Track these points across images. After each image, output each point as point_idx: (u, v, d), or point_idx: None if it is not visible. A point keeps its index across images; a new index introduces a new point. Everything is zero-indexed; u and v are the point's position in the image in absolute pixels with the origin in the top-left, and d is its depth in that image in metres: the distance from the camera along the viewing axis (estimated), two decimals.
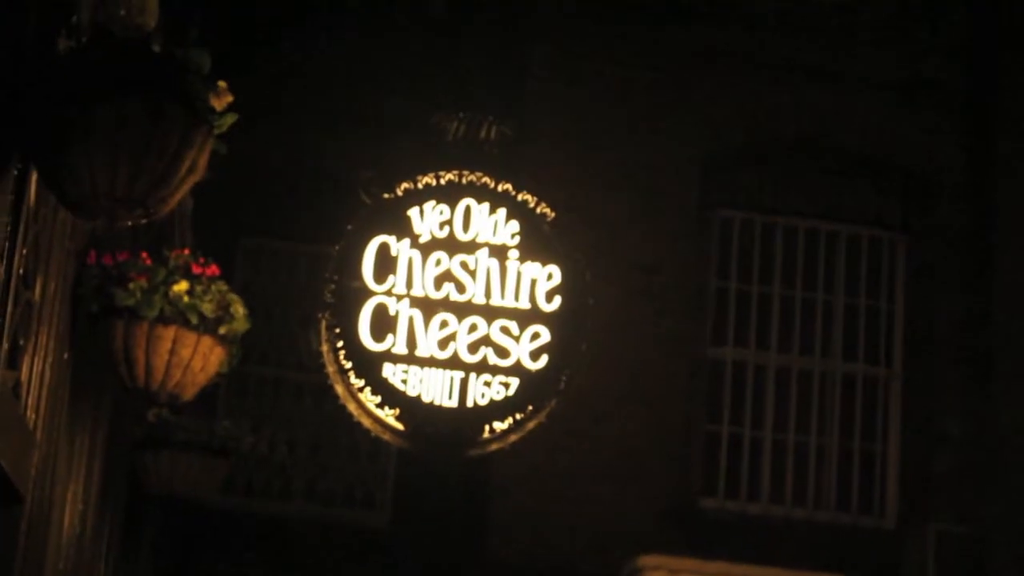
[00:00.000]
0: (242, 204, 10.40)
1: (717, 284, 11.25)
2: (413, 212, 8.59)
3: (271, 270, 11.67)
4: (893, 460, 11.11)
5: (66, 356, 5.66)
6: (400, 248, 8.53)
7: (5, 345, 4.28)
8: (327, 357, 8.39)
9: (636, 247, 10.58)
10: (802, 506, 11.02)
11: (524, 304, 8.53)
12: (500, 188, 8.61)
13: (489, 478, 10.45)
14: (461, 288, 8.48)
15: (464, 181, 8.61)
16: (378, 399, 8.21)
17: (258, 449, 11.37)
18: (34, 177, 4.29)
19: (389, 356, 8.33)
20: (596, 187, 10.29)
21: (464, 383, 8.33)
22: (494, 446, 8.42)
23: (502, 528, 10.51)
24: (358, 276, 8.47)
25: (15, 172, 4.17)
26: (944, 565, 9.88)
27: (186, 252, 6.37)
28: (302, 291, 11.42)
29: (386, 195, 8.60)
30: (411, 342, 8.36)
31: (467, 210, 8.60)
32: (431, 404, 8.26)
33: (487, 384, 8.36)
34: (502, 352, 8.38)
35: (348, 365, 8.24)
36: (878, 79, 11.14)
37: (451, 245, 8.54)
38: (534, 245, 8.63)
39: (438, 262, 8.50)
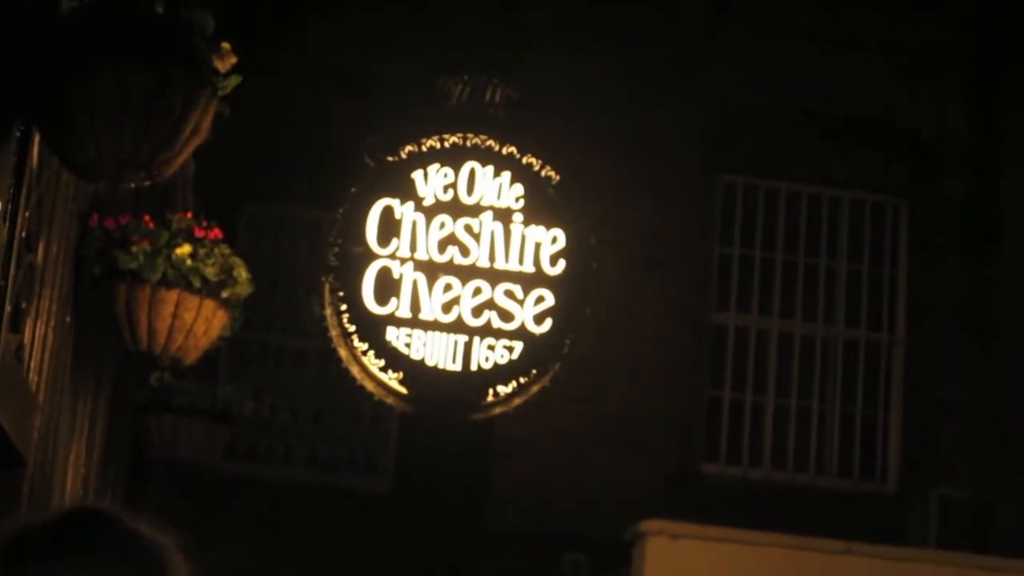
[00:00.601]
0: (244, 169, 10.37)
1: (720, 250, 11.26)
2: (417, 175, 8.59)
3: (273, 235, 11.66)
4: (895, 426, 11.14)
5: (68, 319, 5.67)
6: (404, 211, 8.54)
7: (8, 308, 4.27)
8: (331, 321, 8.41)
9: (639, 212, 10.58)
10: (804, 472, 11.05)
11: (528, 268, 8.55)
12: (505, 151, 8.61)
13: (492, 444, 10.47)
14: (465, 251, 8.49)
15: (468, 144, 8.61)
16: (382, 363, 8.24)
17: (260, 414, 11.40)
18: (37, 139, 4.27)
19: (393, 320, 8.35)
20: (599, 152, 10.27)
21: (468, 347, 8.36)
22: (497, 410, 8.46)
23: (504, 493, 10.54)
24: (362, 239, 8.49)
25: (18, 134, 4.15)
26: (946, 530, 9.89)
27: (189, 215, 6.35)
28: (304, 257, 11.43)
29: (390, 158, 8.60)
30: (415, 306, 8.38)
31: (471, 173, 8.61)
32: (435, 368, 8.28)
33: (491, 348, 8.39)
34: (506, 316, 8.40)
35: (352, 329, 8.25)
36: (885, 46, 11.12)
37: (455, 208, 8.55)
38: (539, 208, 8.64)
39: (442, 225, 8.52)
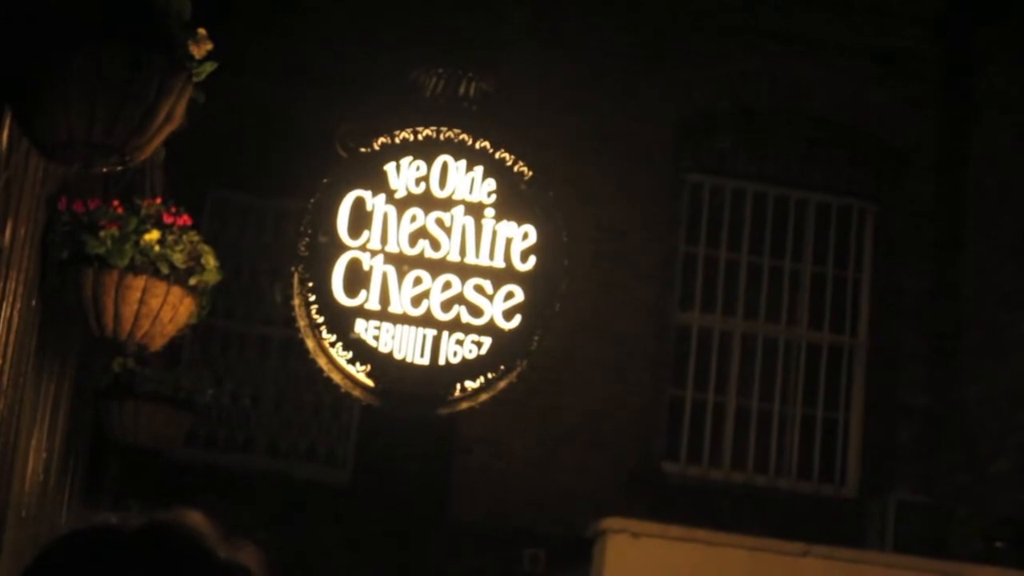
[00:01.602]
0: (211, 156, 10.31)
1: (686, 249, 11.28)
2: (390, 167, 8.56)
3: (239, 224, 11.60)
4: (856, 429, 11.18)
5: (34, 303, 5.64)
6: (375, 203, 8.51)
7: None
8: (299, 311, 8.37)
9: (606, 210, 10.59)
10: (764, 473, 11.09)
11: (499, 263, 8.52)
12: (478, 145, 8.58)
13: (453, 438, 10.45)
14: (436, 245, 8.47)
15: (442, 137, 8.59)
16: (349, 355, 8.21)
17: (221, 402, 11.37)
18: (8, 121, 4.23)
19: (362, 312, 8.32)
20: (568, 149, 10.25)
21: (436, 341, 8.34)
22: (464, 404, 8.43)
23: (464, 488, 10.54)
24: (332, 230, 8.45)
25: None
26: (904, 534, 9.93)
27: (158, 201, 6.31)
28: (269, 246, 11.40)
29: (363, 149, 8.56)
30: (384, 298, 8.35)
31: (444, 166, 8.58)
32: (403, 361, 8.26)
33: (459, 342, 8.36)
34: (475, 311, 8.38)
35: (320, 320, 8.22)
36: (853, 49, 11.17)
37: (427, 201, 8.53)
38: (511, 204, 8.62)
39: (413, 218, 8.49)
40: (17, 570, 5.52)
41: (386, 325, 8.35)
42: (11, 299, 5.06)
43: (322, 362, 8.39)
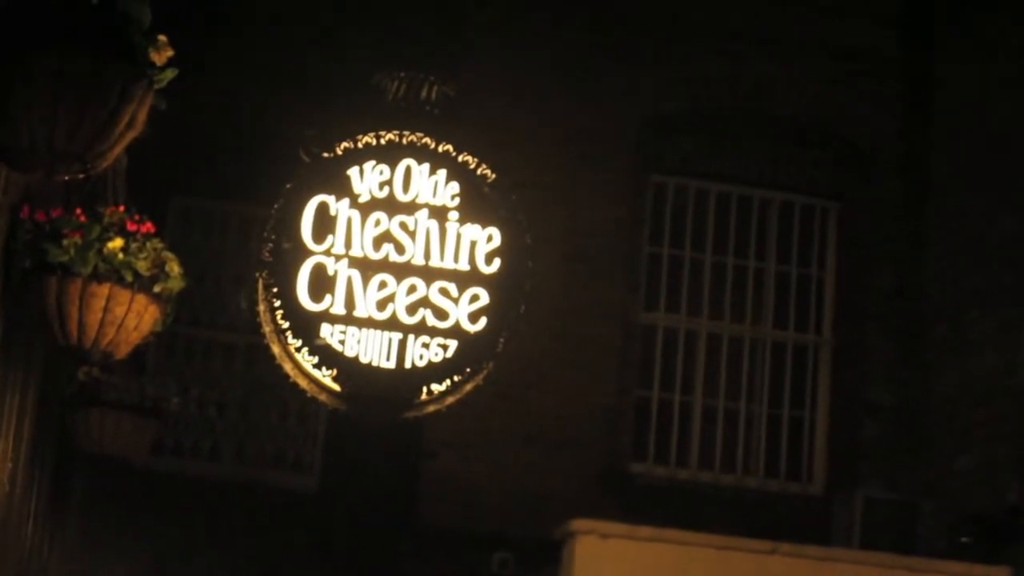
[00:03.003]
0: (173, 163, 10.28)
1: (650, 249, 11.29)
2: (353, 171, 8.57)
3: (202, 230, 11.57)
4: (822, 427, 11.21)
5: None
6: (339, 208, 8.51)
7: None
8: (264, 317, 8.36)
9: (571, 212, 10.60)
10: (731, 472, 11.11)
11: (463, 266, 8.54)
12: (441, 149, 8.60)
13: (420, 442, 10.45)
14: (400, 249, 8.48)
15: (404, 141, 8.59)
16: (315, 360, 8.20)
17: (187, 409, 11.33)
18: None
19: (327, 316, 8.32)
20: (532, 152, 10.28)
21: (402, 344, 8.34)
22: (431, 408, 8.44)
23: (433, 492, 10.53)
24: (296, 235, 8.44)
25: None
26: (871, 531, 9.96)
27: (121, 209, 6.29)
28: (233, 252, 11.37)
29: (326, 154, 8.57)
30: (349, 303, 8.35)
31: (407, 170, 8.59)
32: (369, 365, 8.26)
33: (425, 346, 8.37)
34: (441, 314, 8.39)
35: (285, 325, 8.21)
36: (816, 49, 11.21)
37: (391, 205, 8.53)
38: (474, 207, 8.63)
39: (377, 222, 8.49)
40: None
41: (351, 329, 8.35)
42: None
43: (288, 368, 8.38)
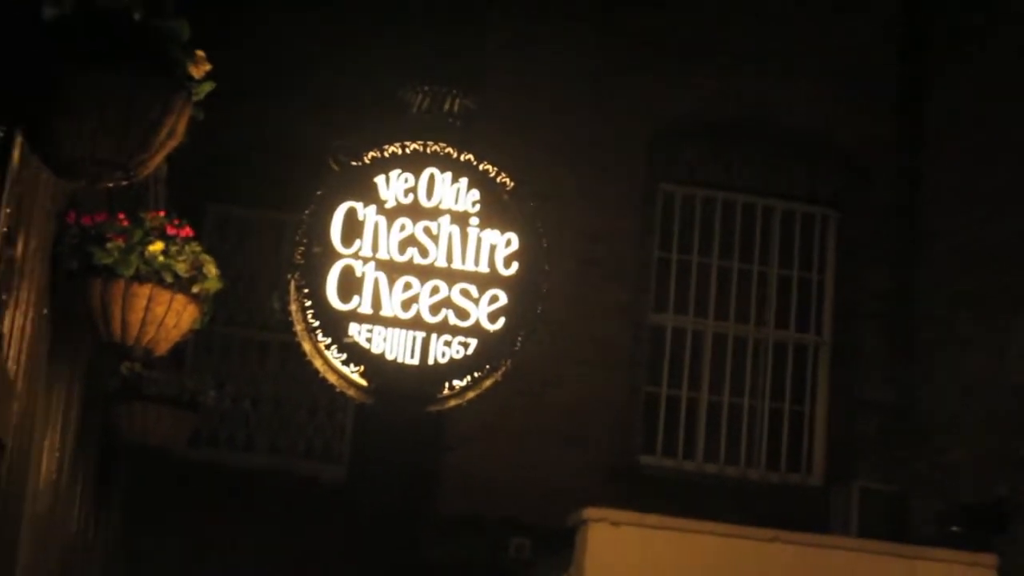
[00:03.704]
0: (210, 171, 10.29)
1: (659, 255, 11.27)
2: (379, 179, 8.57)
3: (237, 235, 11.57)
4: (820, 422, 11.19)
5: (46, 311, 5.61)
6: (367, 213, 8.51)
7: None
8: (296, 316, 8.36)
9: (584, 218, 10.59)
10: (734, 464, 11.09)
11: (484, 268, 8.53)
12: (462, 158, 8.59)
13: (441, 434, 10.44)
14: (424, 252, 8.47)
15: (428, 151, 8.59)
16: (344, 356, 8.20)
17: (223, 403, 11.35)
18: (18, 140, 4.21)
19: (355, 316, 8.32)
20: (548, 161, 10.26)
21: (426, 342, 8.34)
22: (452, 402, 8.43)
23: (453, 482, 10.53)
24: (326, 240, 8.45)
25: (1, 137, 4.10)
26: (867, 520, 9.95)
27: (161, 214, 6.30)
28: (266, 255, 11.37)
29: (354, 163, 8.57)
30: (376, 303, 8.35)
31: (431, 178, 8.59)
32: (394, 362, 8.25)
33: (447, 344, 8.37)
34: (462, 314, 8.38)
35: (316, 324, 8.21)
36: (815, 64, 11.18)
37: (415, 211, 8.53)
38: (494, 213, 8.63)
39: (402, 227, 8.49)
40: (35, 566, 5.52)
41: (378, 328, 8.35)
42: (23, 308, 5.04)
43: (318, 364, 8.38)
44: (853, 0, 11.42)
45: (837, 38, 11.25)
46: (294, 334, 8.49)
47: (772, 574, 8.14)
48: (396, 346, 8.40)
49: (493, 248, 8.69)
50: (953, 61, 10.61)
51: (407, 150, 8.64)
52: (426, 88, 8.83)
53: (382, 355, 8.32)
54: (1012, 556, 8.56)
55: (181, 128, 4.27)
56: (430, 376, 8.35)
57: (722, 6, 11.23)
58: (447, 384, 8.39)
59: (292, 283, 8.47)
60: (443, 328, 8.43)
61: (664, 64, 11.07)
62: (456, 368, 8.41)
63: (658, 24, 11.11)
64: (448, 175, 8.70)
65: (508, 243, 8.71)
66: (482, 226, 8.66)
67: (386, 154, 8.60)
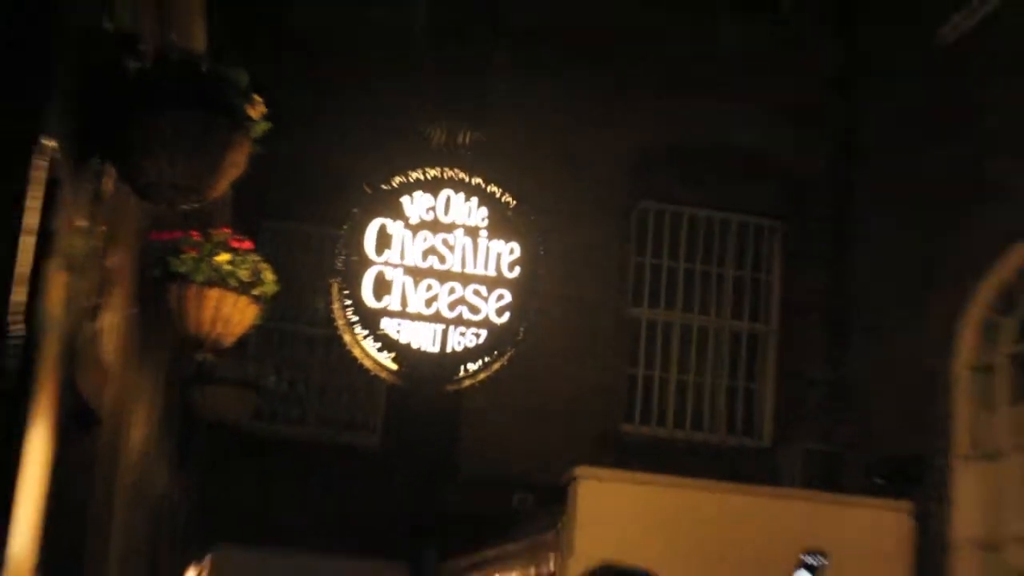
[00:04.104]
0: (265, 194, 10.29)
1: (636, 259, 11.25)
2: (405, 200, 8.58)
3: (288, 246, 11.56)
4: (769, 395, 11.18)
5: (135, 311, 5.63)
6: (395, 228, 8.52)
7: (90, 303, 4.24)
8: (337, 313, 8.36)
9: (574, 230, 10.55)
10: (699, 430, 11.08)
11: (491, 272, 8.53)
12: (473, 182, 8.60)
13: (459, 409, 10.45)
14: (442, 259, 8.48)
15: (445, 176, 8.60)
16: (378, 345, 8.21)
17: (279, 385, 11.36)
18: (110, 170, 4.23)
19: (386, 312, 8.33)
20: (545, 182, 10.21)
21: (445, 333, 8.34)
22: (467, 383, 8.44)
23: (469, 448, 10.54)
24: (362, 250, 8.45)
25: (95, 168, 4.12)
26: (808, 475, 9.97)
27: (226, 231, 6.30)
28: (313, 263, 11.35)
29: (384, 186, 8.58)
30: (403, 301, 8.36)
31: (447, 199, 8.60)
32: (419, 350, 8.26)
33: (462, 334, 8.37)
34: (474, 309, 8.39)
35: (355, 319, 8.22)
36: (763, 101, 11.16)
37: (434, 226, 8.54)
38: (500, 226, 8.63)
39: (424, 239, 8.50)
40: (129, 523, 5.49)
41: (405, 322, 8.36)
42: (119, 309, 5.07)
43: (356, 352, 8.39)
44: (793, 43, 11.38)
45: (781, 76, 11.23)
46: (336, 328, 8.48)
47: (730, 520, 8.14)
48: (420, 337, 8.40)
49: (499, 255, 8.68)
50: (878, 99, 10.61)
51: (427, 176, 8.64)
52: (443, 124, 8.83)
53: (409, 344, 8.32)
54: (924, 502, 8.58)
55: (242, 159, 4.28)
56: (449, 361, 8.35)
57: (689, 52, 11.20)
58: (463, 367, 8.39)
59: (334, 286, 8.47)
60: (459, 321, 8.43)
61: (641, 102, 11.05)
62: (470, 354, 8.41)
63: (636, 67, 11.09)
64: (461, 195, 8.70)
65: (511, 251, 8.70)
66: (490, 237, 8.65)
67: (410, 179, 8.60)
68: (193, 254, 5.87)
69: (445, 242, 8.62)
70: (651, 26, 11.16)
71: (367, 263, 8.53)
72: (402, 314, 8.41)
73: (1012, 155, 8.28)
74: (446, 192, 8.73)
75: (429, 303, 8.48)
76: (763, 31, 11.43)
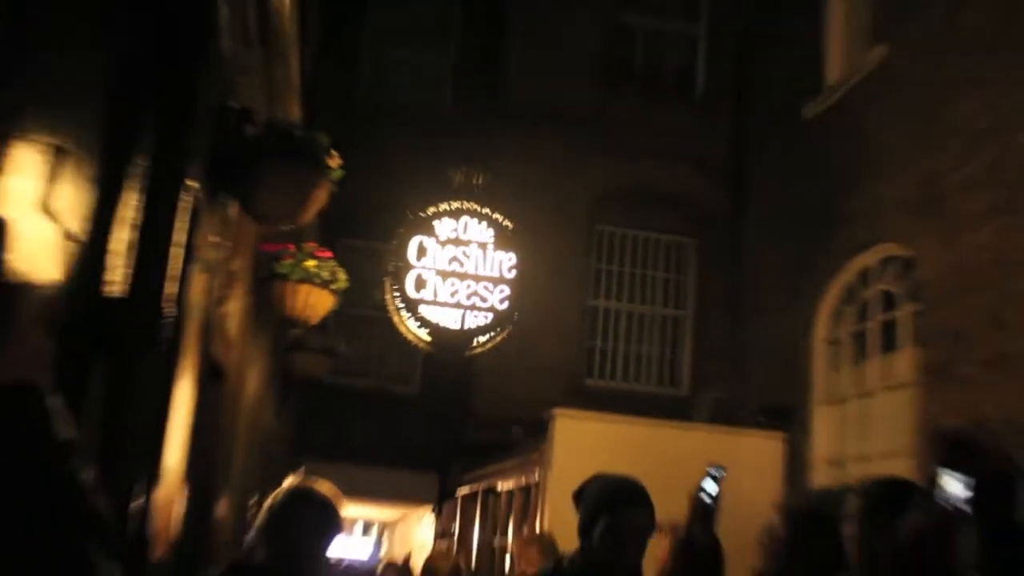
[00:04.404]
0: (339, 219, 10.24)
1: (595, 266, 11.27)
2: (436, 223, 8.65)
3: (356, 256, 11.55)
4: (687, 361, 11.18)
5: (251, 301, 5.65)
6: (429, 243, 8.59)
7: (220, 294, 4.26)
8: (389, 302, 8.42)
9: (553, 245, 10.56)
10: (638, 383, 11.09)
11: (496, 274, 8.61)
12: (484, 211, 8.68)
13: (472, 368, 10.46)
14: (462, 265, 8.57)
15: (464, 207, 8.68)
16: (417, 324, 8.27)
17: (349, 352, 11.37)
18: (233, 204, 4.25)
19: (423, 301, 8.40)
20: (532, 212, 10.21)
21: (464, 315, 8.41)
22: (478, 350, 8.51)
23: (480, 395, 10.54)
24: (406, 258, 8.51)
25: (223, 201, 4.14)
26: (714, 415, 9.95)
27: (313, 245, 6.32)
28: (372, 268, 11.32)
29: (421, 214, 8.64)
30: (435, 294, 8.43)
31: (466, 223, 8.69)
32: (446, 328, 8.34)
33: (475, 316, 8.46)
34: (484, 299, 8.46)
35: (401, 306, 8.29)
36: (683, 158, 11.18)
37: (456, 242, 8.62)
38: (502, 241, 8.71)
39: (449, 251, 8.56)
40: (247, 445, 5.46)
41: (436, 308, 8.42)
42: (238, 298, 5.08)
43: (402, 329, 8.45)
44: (702, 119, 11.37)
45: (694, 141, 11.22)
46: (388, 312, 8.54)
47: (660, 446, 8.13)
48: (447, 318, 8.46)
49: (501, 262, 8.75)
50: (762, 153, 10.63)
51: (451, 207, 8.70)
52: (463, 169, 8.88)
53: (438, 324, 8.38)
54: (792, 434, 8.60)
55: (324, 196, 4.31)
56: (466, 335, 8.42)
57: (629, 122, 11.21)
58: (476, 339, 8.45)
59: (387, 282, 8.53)
60: (473, 308, 8.48)
61: (598, 159, 11.06)
62: (481, 330, 8.47)
63: (596, 135, 11.06)
64: (475, 220, 8.76)
65: (510, 259, 8.77)
66: (495, 249, 8.72)
67: (440, 209, 8.68)
68: (290, 260, 5.92)
69: (464, 253, 8.69)
70: (605, 109, 11.16)
71: (409, 267, 8.58)
72: (434, 303, 8.46)
73: (854, 194, 8.30)
74: (464, 218, 8.79)
75: (453, 295, 8.55)
76: (683, 110, 11.44)
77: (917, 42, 7.68)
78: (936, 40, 7.39)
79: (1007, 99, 6.49)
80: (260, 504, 2.95)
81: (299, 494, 2.74)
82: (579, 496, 2.63)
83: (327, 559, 2.77)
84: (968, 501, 1.81)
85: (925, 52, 7.53)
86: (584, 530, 2.50)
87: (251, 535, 2.77)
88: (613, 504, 2.45)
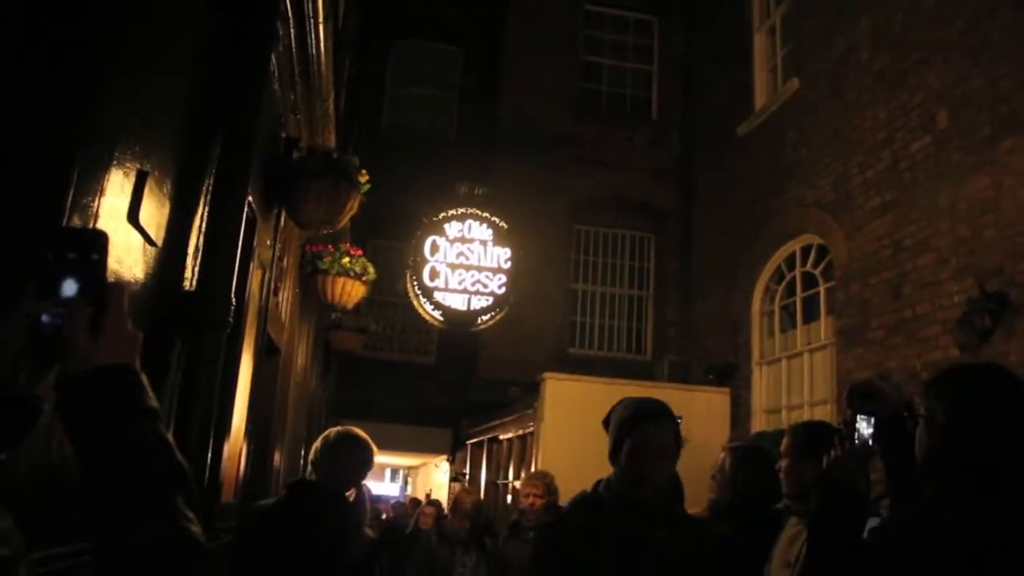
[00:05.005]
0: (369, 223, 10.25)
1: (575, 257, 11.25)
2: (447, 225, 8.62)
3: (384, 253, 11.55)
4: (651, 332, 11.15)
5: (297, 290, 5.65)
6: (441, 241, 8.55)
7: (273, 286, 4.26)
8: (410, 289, 8.40)
9: (542, 241, 10.52)
10: (611, 350, 11.07)
11: (495, 265, 8.58)
12: (484, 214, 8.65)
13: (477, 341, 10.45)
14: (467, 258, 8.52)
15: (468, 212, 8.65)
16: (432, 307, 8.25)
17: (379, 329, 11.36)
18: (283, 213, 4.25)
19: (437, 289, 8.37)
20: (525, 216, 10.16)
21: (469, 299, 8.39)
22: (482, 327, 8.49)
23: (484, 362, 10.53)
24: (423, 254, 8.48)
25: (275, 211, 4.13)
26: (672, 375, 9.97)
27: (348, 245, 6.31)
28: (396, 262, 11.34)
29: (434, 218, 8.60)
30: (446, 283, 8.40)
31: (470, 225, 8.66)
32: (456, 309, 8.32)
33: (479, 300, 8.42)
34: (485, 286, 8.43)
35: (419, 292, 8.27)
36: (643, 169, 11.15)
37: (463, 240, 8.60)
38: (499, 239, 8.68)
39: (457, 247, 8.53)
40: (296, 408, 5.47)
41: (447, 294, 8.40)
42: (287, 288, 5.07)
43: (421, 312, 8.44)
44: (658, 138, 11.35)
45: (652, 156, 11.20)
46: (408, 298, 8.51)
47: None
48: (456, 302, 8.44)
49: (499, 256, 8.73)
50: (705, 165, 10.60)
51: (458, 212, 8.67)
52: (468, 183, 8.86)
53: (450, 306, 8.36)
54: (735, 389, 8.63)
55: (356, 205, 4.31)
56: (471, 315, 8.40)
57: (596, 144, 11.17)
58: (479, 318, 8.43)
59: (407, 274, 8.50)
60: (477, 293, 8.46)
61: (575, 171, 11.02)
62: (484, 311, 8.45)
63: (573, 154, 11.04)
64: (477, 222, 8.73)
65: (506, 253, 8.75)
66: (494, 245, 8.69)
67: (448, 214, 8.65)
68: (329, 258, 5.91)
69: (469, 249, 8.66)
70: (579, 132, 11.13)
71: (425, 261, 8.56)
72: (445, 289, 8.45)
73: (779, 196, 8.31)
74: (469, 221, 8.76)
75: (460, 283, 8.53)
76: (641, 132, 11.40)
77: (824, 73, 7.72)
78: (839, 72, 7.44)
79: (899, 117, 6.56)
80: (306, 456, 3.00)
81: (345, 434, 2.83)
82: (607, 423, 2.25)
83: (364, 486, 2.87)
84: (874, 437, 1.89)
85: (830, 82, 7.58)
86: (613, 453, 2.15)
87: (308, 465, 2.83)
88: (635, 424, 2.11)
